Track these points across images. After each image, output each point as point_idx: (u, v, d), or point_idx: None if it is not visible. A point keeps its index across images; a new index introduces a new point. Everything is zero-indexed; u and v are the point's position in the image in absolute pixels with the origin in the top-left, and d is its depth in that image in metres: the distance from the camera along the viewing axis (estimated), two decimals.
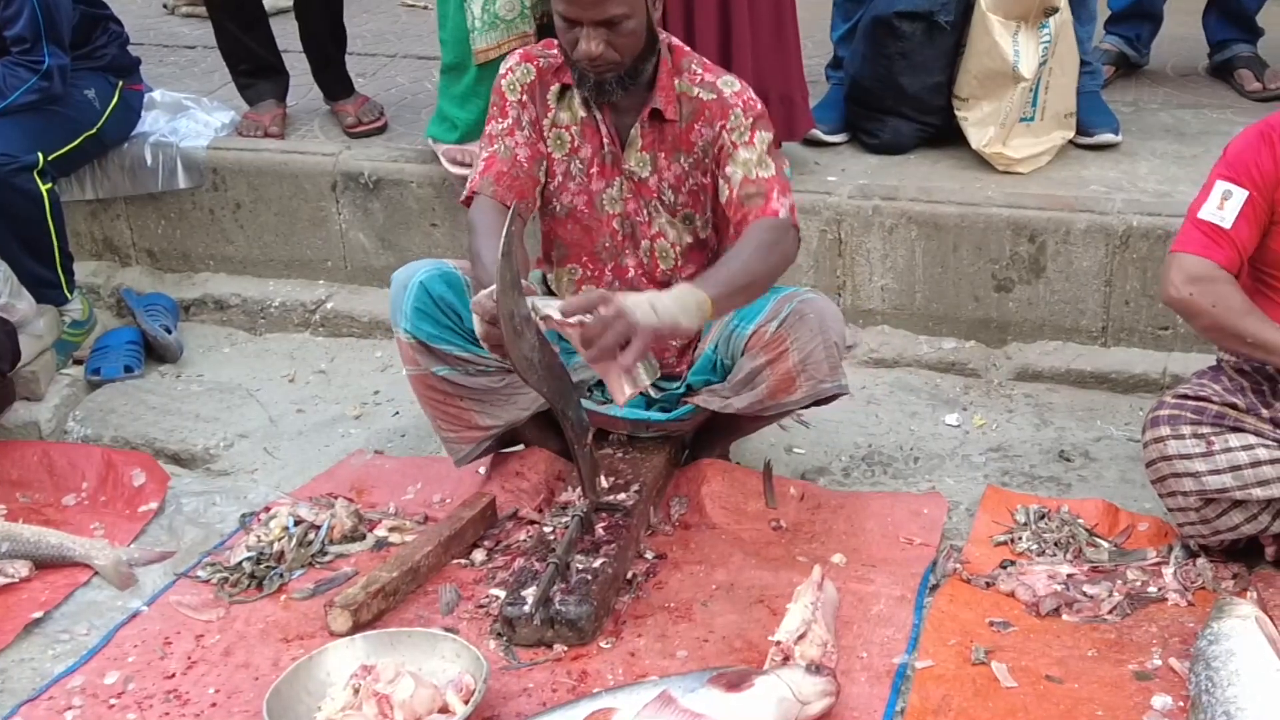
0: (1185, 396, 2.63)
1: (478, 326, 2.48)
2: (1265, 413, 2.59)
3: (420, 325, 2.80)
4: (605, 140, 2.81)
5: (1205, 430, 2.57)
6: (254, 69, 4.17)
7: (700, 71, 2.79)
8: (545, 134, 2.83)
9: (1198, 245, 2.58)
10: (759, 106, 2.78)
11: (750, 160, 2.73)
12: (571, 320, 2.39)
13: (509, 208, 2.68)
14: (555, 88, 2.81)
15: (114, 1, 3.96)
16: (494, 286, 2.37)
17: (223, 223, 4.06)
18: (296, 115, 4.26)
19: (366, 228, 3.96)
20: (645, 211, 2.86)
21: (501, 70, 2.85)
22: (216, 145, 4.04)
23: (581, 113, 2.81)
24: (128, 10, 4.64)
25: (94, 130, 3.80)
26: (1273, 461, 2.52)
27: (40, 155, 3.54)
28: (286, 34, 4.26)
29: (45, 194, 3.54)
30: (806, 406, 2.89)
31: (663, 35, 2.78)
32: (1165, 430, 2.60)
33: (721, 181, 2.77)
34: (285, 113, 4.19)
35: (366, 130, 4.10)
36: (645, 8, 2.65)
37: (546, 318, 2.44)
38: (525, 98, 2.81)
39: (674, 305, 2.43)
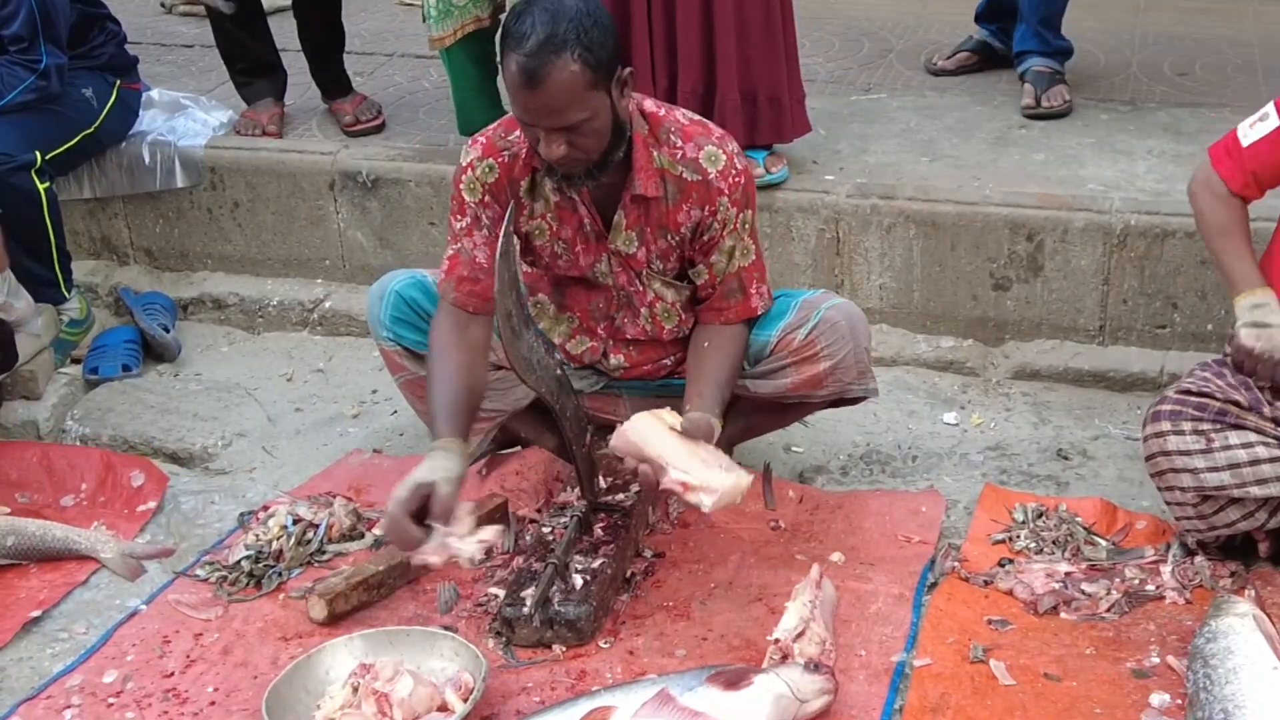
0: (1188, 392, 2.63)
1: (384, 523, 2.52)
2: (1267, 410, 2.59)
3: (400, 332, 2.83)
4: (586, 220, 2.70)
5: (1206, 427, 2.56)
6: (252, 68, 4.17)
7: (681, 144, 2.62)
8: (523, 227, 2.73)
9: (1218, 151, 2.72)
10: (743, 181, 2.66)
11: (734, 249, 2.68)
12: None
13: (471, 312, 2.65)
14: (525, 182, 2.67)
15: (111, 0, 3.96)
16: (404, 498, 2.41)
17: (221, 222, 4.06)
18: (294, 114, 4.25)
19: (364, 226, 3.95)
20: (639, 282, 2.78)
21: (462, 162, 2.68)
22: (214, 144, 4.04)
23: (555, 198, 2.68)
24: (125, 9, 4.63)
25: (92, 129, 3.79)
26: (1271, 460, 2.52)
27: (38, 154, 3.53)
28: (284, 33, 4.25)
29: (43, 193, 3.54)
30: (829, 404, 2.91)
31: (634, 101, 2.60)
32: (1166, 425, 2.59)
33: (702, 266, 2.72)
34: (283, 111, 4.19)
35: (364, 129, 4.10)
36: (610, 103, 2.47)
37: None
38: (488, 198, 2.67)
39: (698, 428, 2.54)
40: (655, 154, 2.62)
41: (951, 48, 4.38)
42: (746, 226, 2.69)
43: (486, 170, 2.66)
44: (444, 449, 2.50)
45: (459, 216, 2.70)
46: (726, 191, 2.63)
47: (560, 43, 2.36)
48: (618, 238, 2.71)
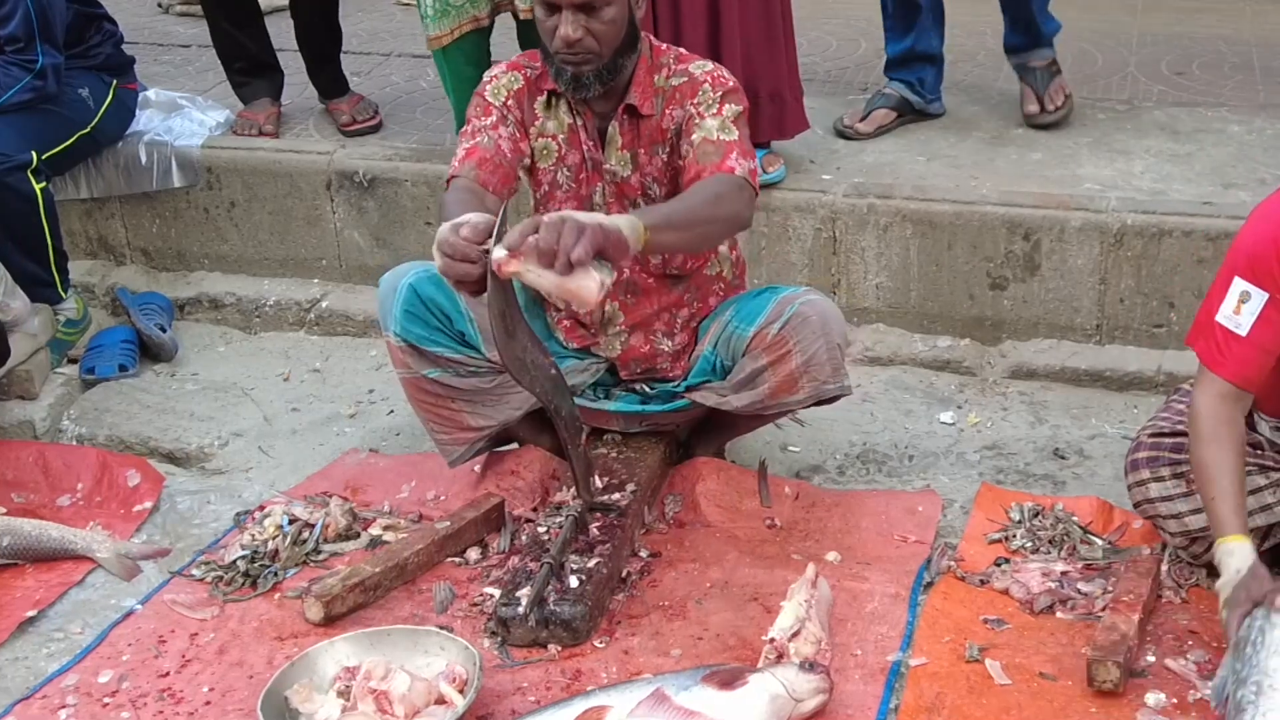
0: (1161, 434, 2.63)
1: (438, 260, 2.35)
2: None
3: (410, 328, 2.81)
4: (586, 146, 2.78)
5: (1185, 469, 2.55)
6: (249, 67, 4.16)
7: (675, 65, 2.78)
8: (533, 141, 2.81)
9: (1210, 353, 2.37)
10: (730, 82, 2.74)
11: (713, 126, 2.68)
12: (521, 248, 2.25)
13: (489, 191, 2.63)
14: (543, 97, 2.79)
15: (108, 0, 3.96)
16: (457, 221, 2.31)
17: (217, 221, 4.06)
18: (291, 114, 4.25)
19: (361, 226, 3.95)
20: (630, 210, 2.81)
21: (485, 78, 2.82)
22: (211, 144, 4.04)
23: (568, 120, 2.78)
24: (122, 9, 4.64)
25: (88, 129, 3.79)
26: (1253, 491, 2.51)
27: (34, 154, 3.53)
28: (282, 33, 4.26)
29: (39, 193, 3.53)
30: (808, 406, 2.90)
31: (644, 36, 2.77)
32: (1146, 474, 2.61)
33: (686, 148, 2.70)
34: (280, 111, 4.19)
35: (361, 129, 4.10)
36: (627, 2, 2.65)
37: (499, 262, 2.28)
38: (511, 102, 2.78)
39: (613, 218, 2.39)
40: (655, 77, 2.76)
41: (863, 105, 3.98)
42: (732, 114, 2.70)
43: (511, 80, 2.80)
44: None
45: (483, 116, 2.76)
46: (710, 82, 2.73)
47: None
48: (612, 155, 2.77)
